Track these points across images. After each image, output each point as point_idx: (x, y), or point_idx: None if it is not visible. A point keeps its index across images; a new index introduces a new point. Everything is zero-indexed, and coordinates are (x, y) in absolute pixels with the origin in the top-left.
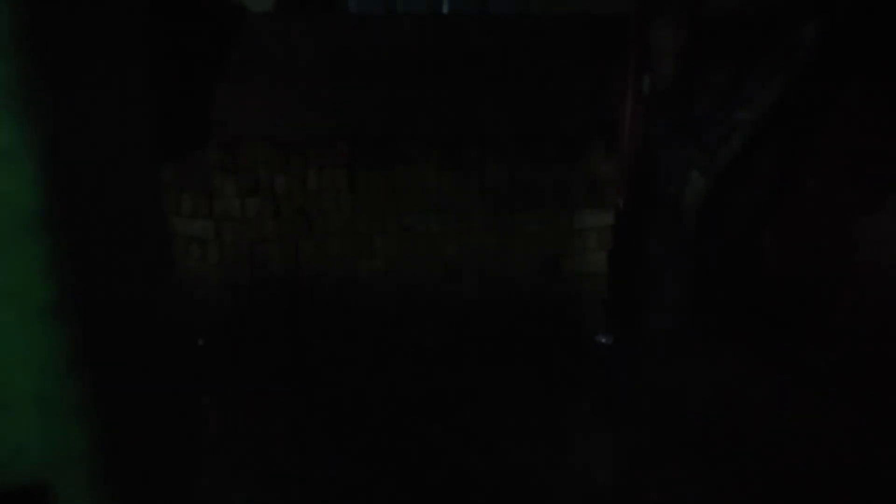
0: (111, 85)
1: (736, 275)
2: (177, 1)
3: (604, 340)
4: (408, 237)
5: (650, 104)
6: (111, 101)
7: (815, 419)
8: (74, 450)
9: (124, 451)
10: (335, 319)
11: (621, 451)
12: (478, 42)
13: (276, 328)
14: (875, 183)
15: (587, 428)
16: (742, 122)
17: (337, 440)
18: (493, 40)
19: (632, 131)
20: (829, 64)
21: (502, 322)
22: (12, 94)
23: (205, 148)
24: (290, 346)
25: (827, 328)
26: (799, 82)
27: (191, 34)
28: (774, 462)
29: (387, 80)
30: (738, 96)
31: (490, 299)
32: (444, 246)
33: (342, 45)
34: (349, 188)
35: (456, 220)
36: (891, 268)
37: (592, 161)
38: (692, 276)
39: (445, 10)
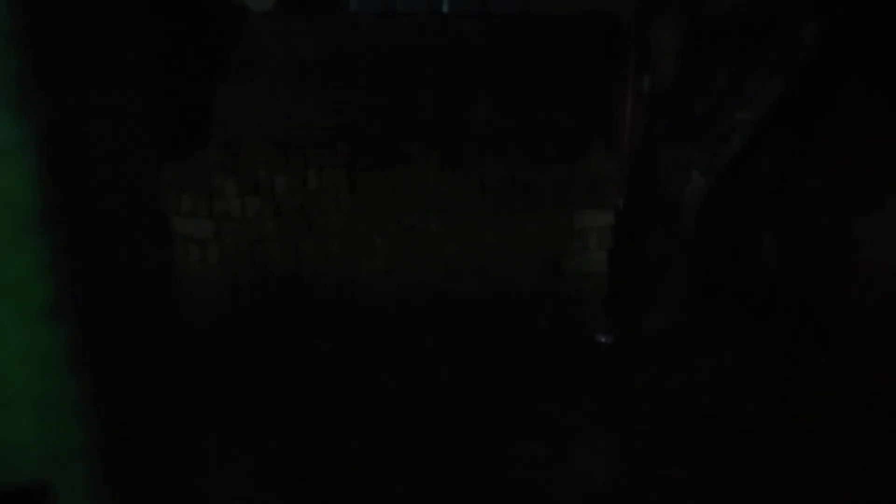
0: (111, 84)
1: (736, 275)
2: (177, 1)
3: (604, 340)
4: (408, 237)
5: (650, 104)
6: (111, 100)
7: (815, 419)
8: (74, 449)
9: (124, 450)
10: (335, 319)
11: (622, 450)
12: (478, 42)
13: (276, 328)
14: (875, 183)
15: (587, 428)
16: (742, 122)
17: (337, 440)
18: (493, 40)
19: (632, 131)
20: (829, 64)
21: (502, 322)
22: (11, 92)
23: (205, 148)
24: (290, 346)
25: (827, 328)
26: (799, 82)
27: (191, 34)
28: (774, 461)
29: (387, 80)
30: (738, 96)
31: (490, 299)
32: (444, 246)
33: (342, 45)
34: (349, 188)
35: (456, 220)
36: (891, 268)
37: (592, 161)
38: (692, 276)
39: (445, 9)
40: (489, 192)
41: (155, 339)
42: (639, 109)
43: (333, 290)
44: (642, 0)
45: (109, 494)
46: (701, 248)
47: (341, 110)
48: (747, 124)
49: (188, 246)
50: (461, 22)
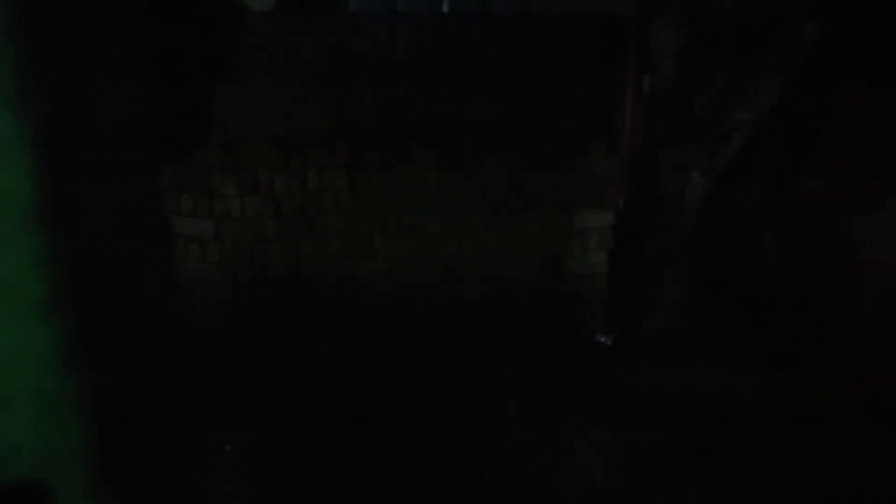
0: (110, 82)
1: (736, 275)
2: (177, 1)
3: (604, 340)
4: (408, 237)
5: (650, 104)
6: (110, 99)
7: (815, 419)
8: (72, 447)
9: (122, 448)
10: (335, 319)
11: (621, 450)
12: (478, 42)
13: (276, 328)
14: (875, 183)
15: (587, 428)
16: (742, 122)
17: (337, 439)
18: (493, 40)
19: (632, 131)
20: (829, 64)
21: (502, 322)
22: (11, 90)
23: (205, 148)
24: (290, 346)
25: (827, 328)
26: (799, 82)
27: (191, 34)
28: (774, 461)
29: (387, 80)
30: (738, 96)
31: (490, 299)
32: (444, 246)
33: (342, 45)
34: (349, 188)
35: (456, 220)
36: (891, 268)
37: (592, 161)
38: (692, 276)
39: (445, 9)
40: (489, 192)
41: (153, 337)
42: (639, 109)
43: (333, 290)
44: (642, 0)
45: (107, 492)
46: (701, 249)
47: (341, 110)
48: (747, 124)
49: (188, 246)
50: (461, 22)
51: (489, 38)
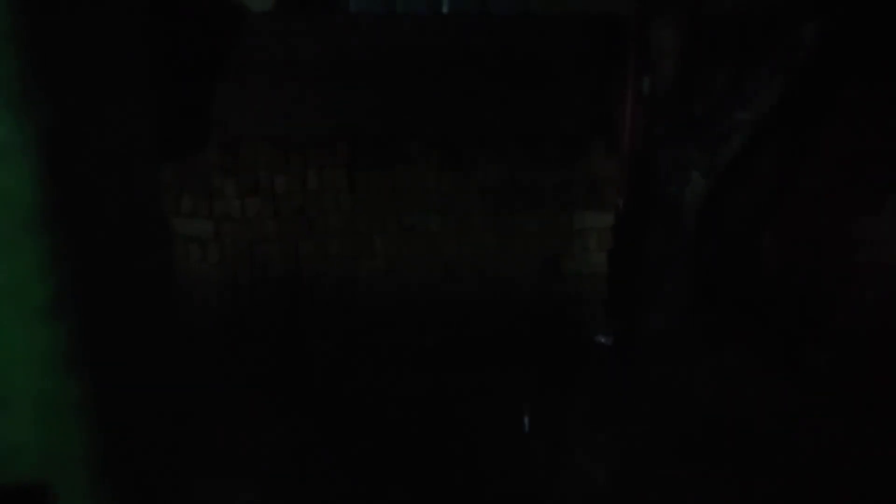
0: (110, 84)
1: (736, 275)
2: (177, 1)
3: (604, 340)
4: (408, 237)
5: (650, 104)
6: (110, 100)
7: (815, 419)
8: (74, 449)
9: (123, 450)
10: (335, 319)
11: (621, 450)
12: (478, 42)
13: (276, 328)
14: (875, 183)
15: (587, 428)
16: (742, 122)
17: (337, 440)
18: (493, 40)
19: (632, 131)
20: (829, 64)
21: (502, 322)
22: (11, 92)
23: (205, 148)
24: (290, 346)
25: (827, 328)
26: (799, 82)
27: (191, 34)
28: (774, 462)
29: (387, 80)
30: (738, 96)
31: (490, 299)
32: (444, 246)
33: (342, 45)
34: (349, 188)
35: (456, 220)
36: (891, 268)
37: (592, 161)
38: (692, 276)
39: (445, 10)
40: (489, 193)
41: (154, 339)
42: (639, 110)
43: (333, 291)
44: (642, 0)
45: (109, 494)
46: (701, 249)
47: (341, 110)
48: (747, 124)
49: (188, 246)
50: (461, 22)
51: (489, 39)
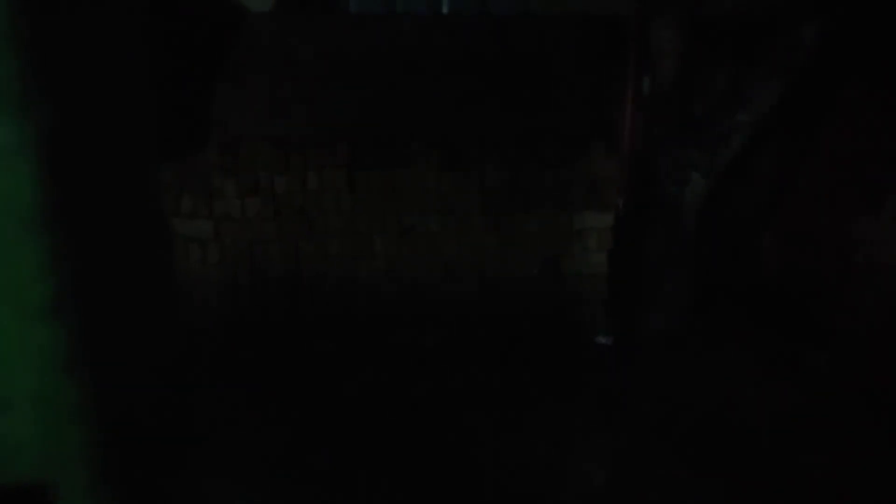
0: (110, 84)
1: (736, 275)
2: (177, 1)
3: (604, 340)
4: (408, 237)
5: (650, 105)
6: (110, 100)
7: (815, 419)
8: (73, 449)
9: (123, 450)
10: (335, 320)
11: (621, 451)
12: (478, 42)
13: (276, 328)
14: (875, 183)
15: (587, 428)
16: (742, 122)
17: (337, 440)
18: (493, 40)
19: (632, 132)
20: (829, 64)
21: (502, 322)
22: (10, 92)
23: (205, 148)
24: (290, 347)
25: (826, 328)
26: (799, 83)
27: (191, 34)
28: (774, 462)
29: (387, 80)
30: (738, 97)
31: (490, 299)
32: (444, 246)
33: (342, 45)
34: (349, 188)
35: (456, 220)
36: (891, 268)
37: (592, 161)
38: (692, 276)
39: (445, 10)
40: (489, 193)
41: (155, 339)
42: (639, 110)
43: (333, 291)
44: (642, 0)
45: (109, 494)
46: (701, 249)
47: (341, 110)
48: (747, 125)
49: (188, 246)
50: (461, 22)
51: (489, 39)
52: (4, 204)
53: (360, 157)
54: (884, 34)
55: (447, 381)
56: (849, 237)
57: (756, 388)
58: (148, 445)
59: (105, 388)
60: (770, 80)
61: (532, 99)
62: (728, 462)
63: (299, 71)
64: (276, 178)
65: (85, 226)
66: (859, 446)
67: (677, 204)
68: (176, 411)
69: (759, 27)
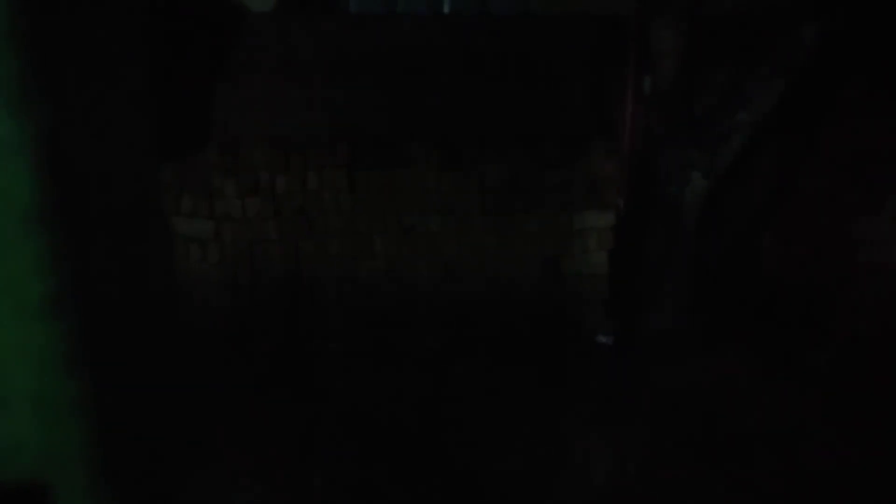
0: (111, 84)
1: (736, 275)
2: (177, 1)
3: (604, 340)
4: (408, 237)
5: (650, 105)
6: (110, 99)
7: (816, 419)
8: (72, 447)
9: (122, 448)
10: (335, 320)
11: (622, 450)
12: (478, 42)
13: (276, 328)
14: (875, 183)
15: (587, 428)
16: (742, 122)
17: (337, 440)
18: (494, 40)
19: (632, 132)
20: (829, 64)
21: (502, 322)
22: (11, 91)
23: (205, 148)
24: (290, 347)
25: (827, 328)
26: (799, 83)
27: (191, 34)
28: (774, 462)
29: (387, 80)
30: (739, 97)
31: (490, 299)
32: (444, 246)
33: (342, 45)
34: (349, 188)
35: (456, 220)
36: (891, 268)
37: (593, 161)
38: (692, 276)
39: (446, 10)
40: (489, 193)
41: (154, 338)
42: (639, 110)
43: (333, 291)
44: (642, 1)
45: (108, 493)
46: (701, 249)
47: (341, 110)
48: (747, 125)
49: (188, 246)
50: (461, 22)
51: (489, 39)
52: (3, 202)
53: (360, 157)
54: (884, 34)
55: (447, 380)
56: (849, 237)
57: (756, 388)
58: (147, 445)
59: (104, 388)
60: (770, 79)
61: (532, 99)
62: (728, 462)
63: (299, 71)
64: (276, 178)
65: (84, 225)
66: (859, 446)
67: (677, 204)
68: (176, 411)
69: (759, 27)
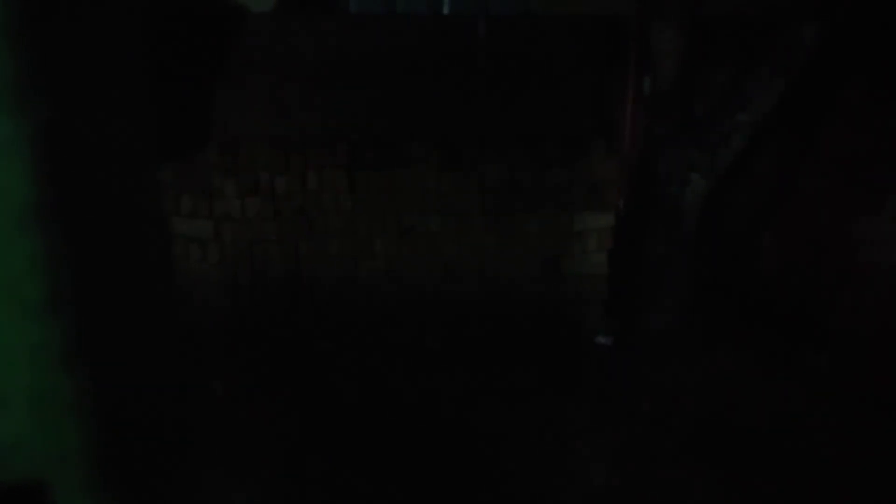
0: (110, 83)
1: (736, 275)
2: (177, 1)
3: (604, 340)
4: (408, 238)
5: (650, 105)
6: (110, 99)
7: (815, 419)
8: (70, 447)
9: (121, 448)
10: (335, 319)
11: (621, 450)
12: (478, 43)
13: (276, 328)
14: (875, 183)
15: (587, 428)
16: (742, 122)
17: (337, 440)
18: (494, 41)
19: (632, 132)
20: (829, 64)
21: (502, 322)
22: (8, 90)
23: (205, 148)
24: (290, 347)
25: (827, 328)
26: (799, 83)
27: (191, 34)
28: (774, 462)
29: (387, 80)
30: (739, 97)
31: (490, 299)
32: (444, 246)
33: (342, 45)
34: (349, 189)
35: (456, 220)
36: (891, 268)
37: (593, 162)
38: (692, 276)
39: (445, 10)
40: (489, 193)
41: (154, 338)
42: (639, 110)
43: (333, 291)
44: (642, 1)
45: (106, 493)
46: (701, 249)
47: (341, 111)
48: (747, 125)
49: (188, 246)
50: (461, 22)
51: (489, 40)
52: (1, 200)
53: (360, 157)
54: (884, 34)
55: (447, 380)
56: (849, 237)
57: (756, 388)
58: (146, 445)
59: (103, 387)
60: (770, 80)
61: (532, 99)
62: (728, 462)
63: (299, 71)
64: (276, 178)
65: (82, 224)
66: (859, 446)
67: (677, 204)
68: (175, 411)
69: (759, 27)
